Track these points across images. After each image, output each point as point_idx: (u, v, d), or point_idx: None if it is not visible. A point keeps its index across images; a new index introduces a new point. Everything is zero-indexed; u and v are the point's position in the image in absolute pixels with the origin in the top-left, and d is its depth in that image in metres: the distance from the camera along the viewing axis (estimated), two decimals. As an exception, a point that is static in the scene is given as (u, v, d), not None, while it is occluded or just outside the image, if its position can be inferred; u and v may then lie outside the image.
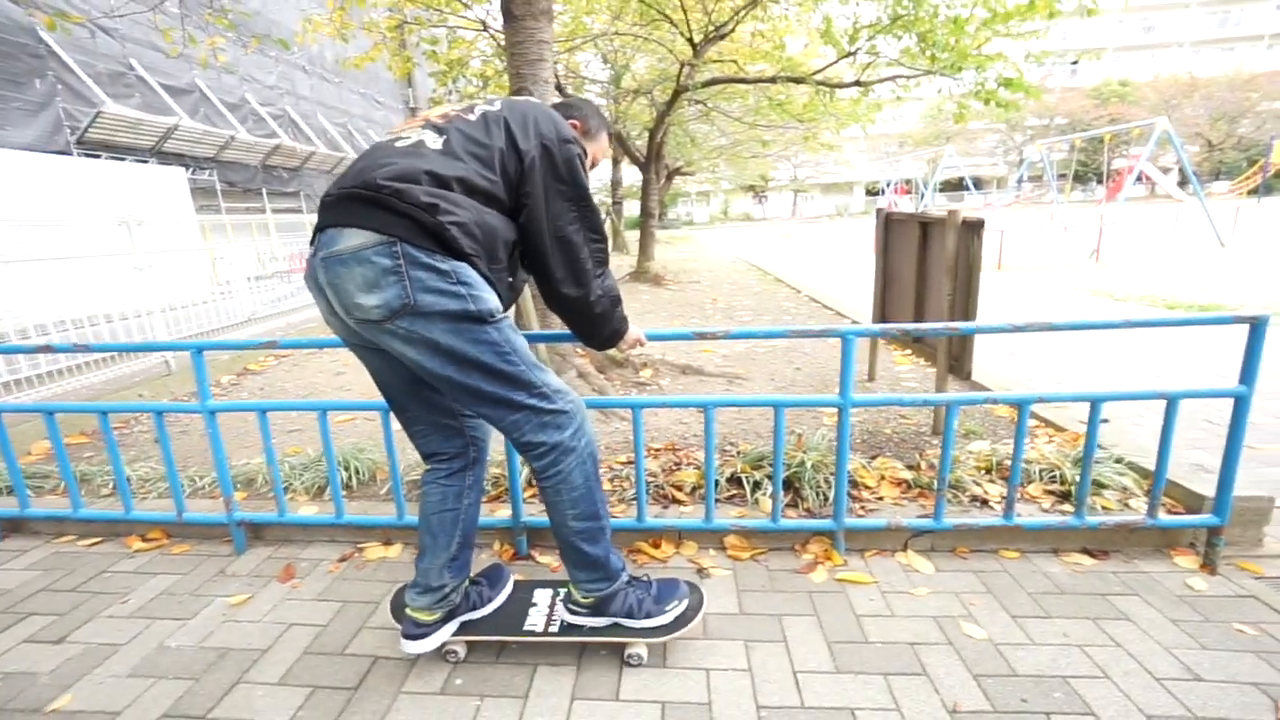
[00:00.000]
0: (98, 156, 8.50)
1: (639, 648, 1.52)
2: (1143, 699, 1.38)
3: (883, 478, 2.18)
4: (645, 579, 1.59)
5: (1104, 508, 2.00)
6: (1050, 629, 1.62)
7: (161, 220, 7.04)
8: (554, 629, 1.55)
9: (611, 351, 3.69)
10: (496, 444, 2.53)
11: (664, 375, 3.55)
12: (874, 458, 2.34)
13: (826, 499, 2.00)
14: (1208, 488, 1.89)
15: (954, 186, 36.20)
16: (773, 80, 7.16)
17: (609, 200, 14.97)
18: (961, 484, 2.11)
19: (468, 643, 1.58)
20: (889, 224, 3.17)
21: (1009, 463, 1.92)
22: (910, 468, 2.25)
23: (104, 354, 3.93)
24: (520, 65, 3.28)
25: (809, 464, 2.07)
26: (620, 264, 10.89)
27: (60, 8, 7.93)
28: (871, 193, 38.96)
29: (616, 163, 14.03)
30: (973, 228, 2.41)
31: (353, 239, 1.22)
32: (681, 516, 2.00)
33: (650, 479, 2.21)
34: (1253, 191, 23.68)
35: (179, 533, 2.19)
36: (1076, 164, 34.62)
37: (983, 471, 2.24)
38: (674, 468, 2.31)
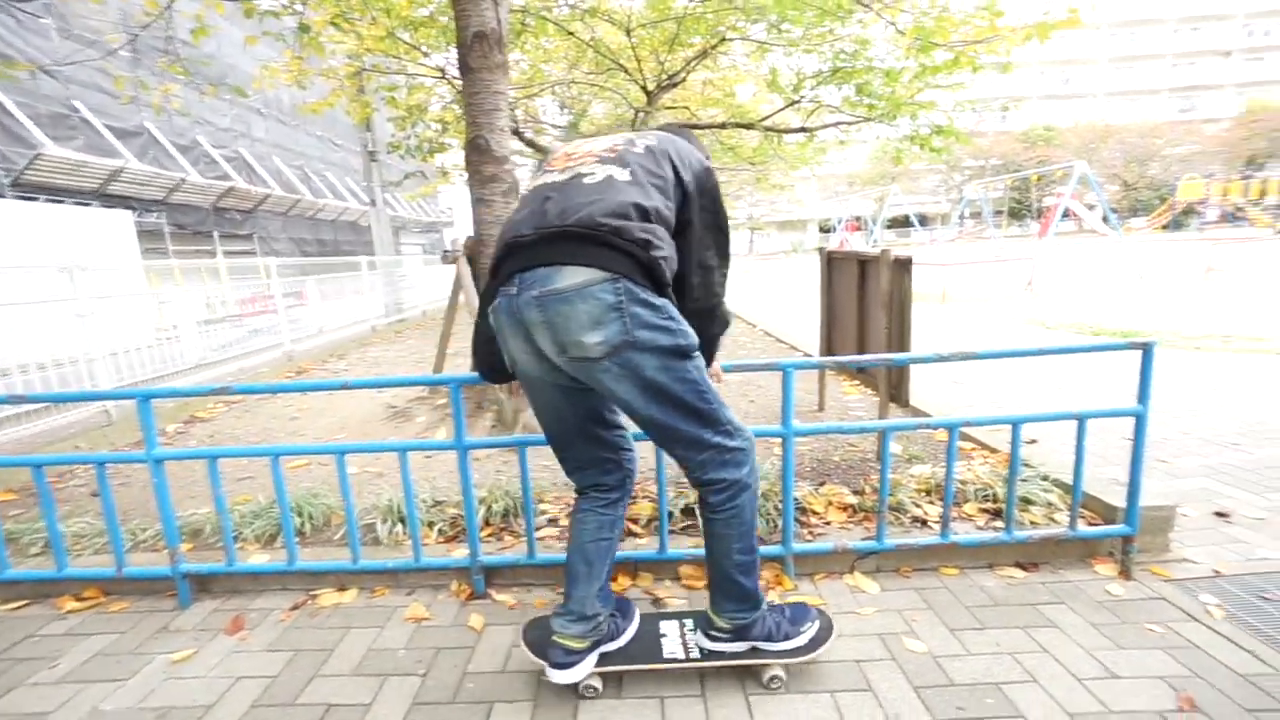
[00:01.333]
0: (34, 199, 8.24)
1: (778, 670, 1.56)
2: (1066, 699, 1.48)
3: (830, 503, 2.28)
4: (778, 603, 1.63)
5: (1032, 522, 2.14)
6: (985, 640, 1.71)
7: (105, 264, 6.83)
8: (695, 655, 1.57)
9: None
10: (450, 480, 2.54)
11: (622, 410, 3.62)
12: (821, 484, 2.45)
13: (776, 526, 2.08)
14: (1121, 500, 2.05)
15: (901, 223, 38.01)
16: (723, 126, 7.52)
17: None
18: (903, 506, 2.23)
19: (601, 674, 1.57)
20: (831, 262, 3.37)
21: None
22: (856, 493, 2.35)
23: (38, 405, 3.77)
24: (477, 115, 3.40)
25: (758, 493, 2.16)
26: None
27: (4, 54, 7.78)
28: (824, 230, 40.50)
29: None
30: (903, 265, 2.60)
31: (575, 276, 1.24)
32: (637, 549, 2.05)
33: (607, 513, 2.25)
34: (1164, 227, 25.65)
35: (118, 589, 2.11)
36: (1011, 201, 36.99)
37: (923, 493, 2.36)
38: (631, 500, 2.36)
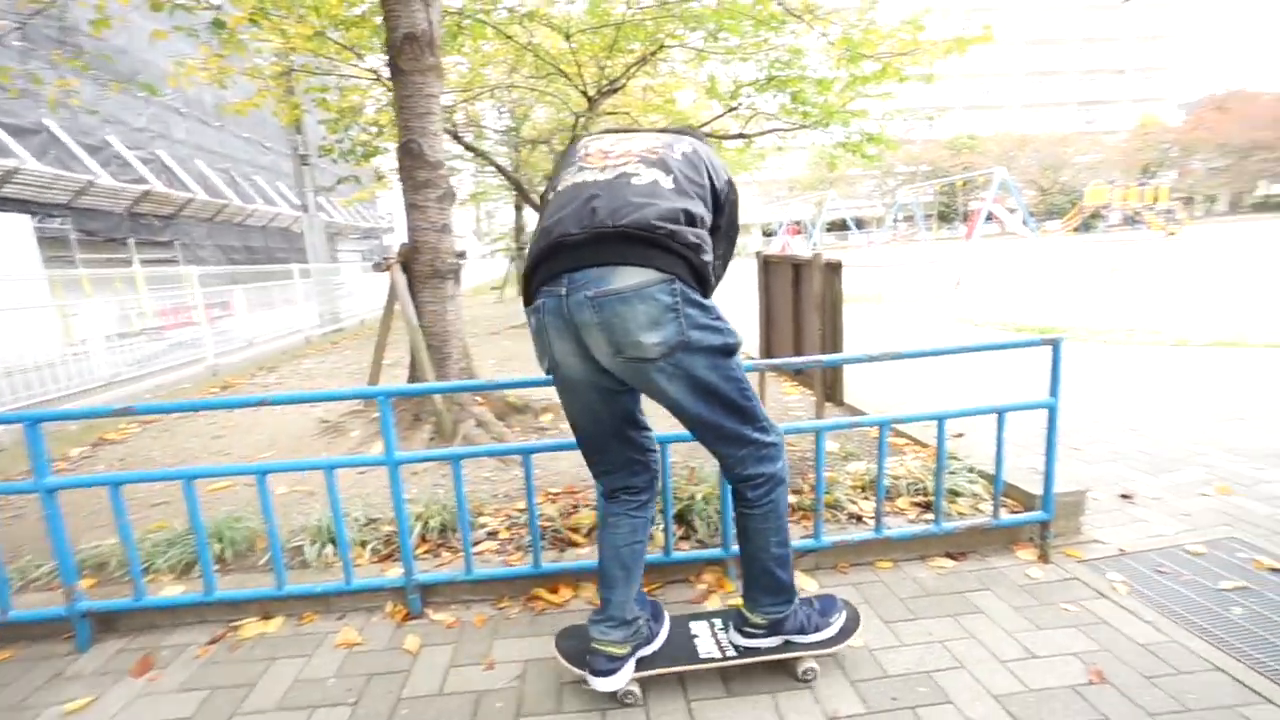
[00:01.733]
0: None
1: (811, 662, 1.58)
2: (991, 682, 1.55)
3: (769, 503, 2.31)
4: (807, 595, 1.64)
5: (959, 513, 2.23)
6: (917, 629, 1.77)
7: (-1, 275, 6.26)
8: (731, 654, 1.58)
9: (513, 398, 3.69)
10: (386, 496, 2.44)
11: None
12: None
13: (717, 529, 2.09)
14: (1039, 488, 2.16)
15: (839, 227, 39.37)
16: (664, 131, 7.57)
17: (512, 245, 14.99)
18: (840, 504, 2.29)
19: (640, 680, 1.54)
20: (767, 266, 3.44)
21: (885, 482, 2.11)
22: (795, 492, 2.40)
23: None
24: (409, 119, 3.31)
25: (699, 496, 2.17)
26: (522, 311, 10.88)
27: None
28: (766, 233, 41.48)
29: (519, 209, 14.13)
30: (834, 268, 2.68)
31: (632, 277, 1.25)
32: (579, 559, 2.02)
33: (548, 523, 2.22)
34: (1076, 229, 27.62)
35: (3, 636, 1.90)
36: (940, 205, 38.91)
37: (859, 490, 2.43)
38: (572, 510, 2.33)
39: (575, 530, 2.19)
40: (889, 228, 34.21)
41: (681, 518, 2.17)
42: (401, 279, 3.44)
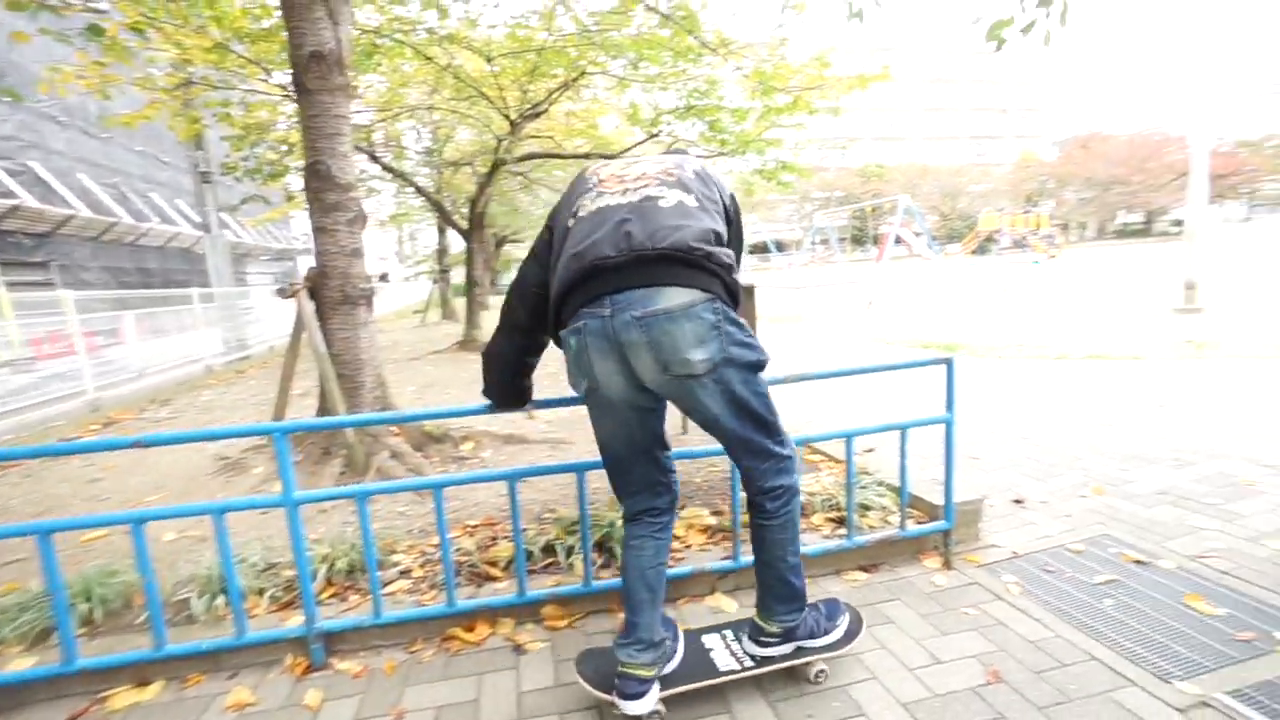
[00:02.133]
0: None
1: (821, 664, 1.64)
2: (900, 690, 1.61)
3: (690, 526, 2.33)
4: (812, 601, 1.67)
5: (870, 526, 2.33)
6: (832, 644, 1.82)
7: None
8: (749, 664, 1.61)
9: (430, 427, 3.55)
10: (284, 538, 2.28)
11: (486, 447, 3.48)
12: (682, 508, 2.50)
13: (638, 554, 2.08)
14: (941, 498, 2.29)
15: (761, 249, 40.91)
16: (586, 156, 7.66)
17: (436, 268, 14.60)
18: (758, 522, 2.33)
19: (664, 699, 1.52)
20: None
21: (801, 499, 2.17)
22: (715, 513, 2.43)
23: None
24: (316, 139, 3.17)
25: (619, 524, 2.15)
26: (450, 333, 10.58)
27: None
28: (694, 255, 42.40)
29: (442, 231, 13.82)
30: (748, 291, 2.76)
31: (679, 297, 1.32)
32: (495, 594, 1.95)
33: (465, 558, 2.13)
34: (974, 252, 30.07)
35: None
36: (853, 229, 41.33)
37: (777, 507, 2.48)
38: (491, 543, 2.26)
39: (493, 564, 2.11)
40: (807, 250, 35.88)
41: (601, 545, 2.14)
42: (309, 305, 3.26)
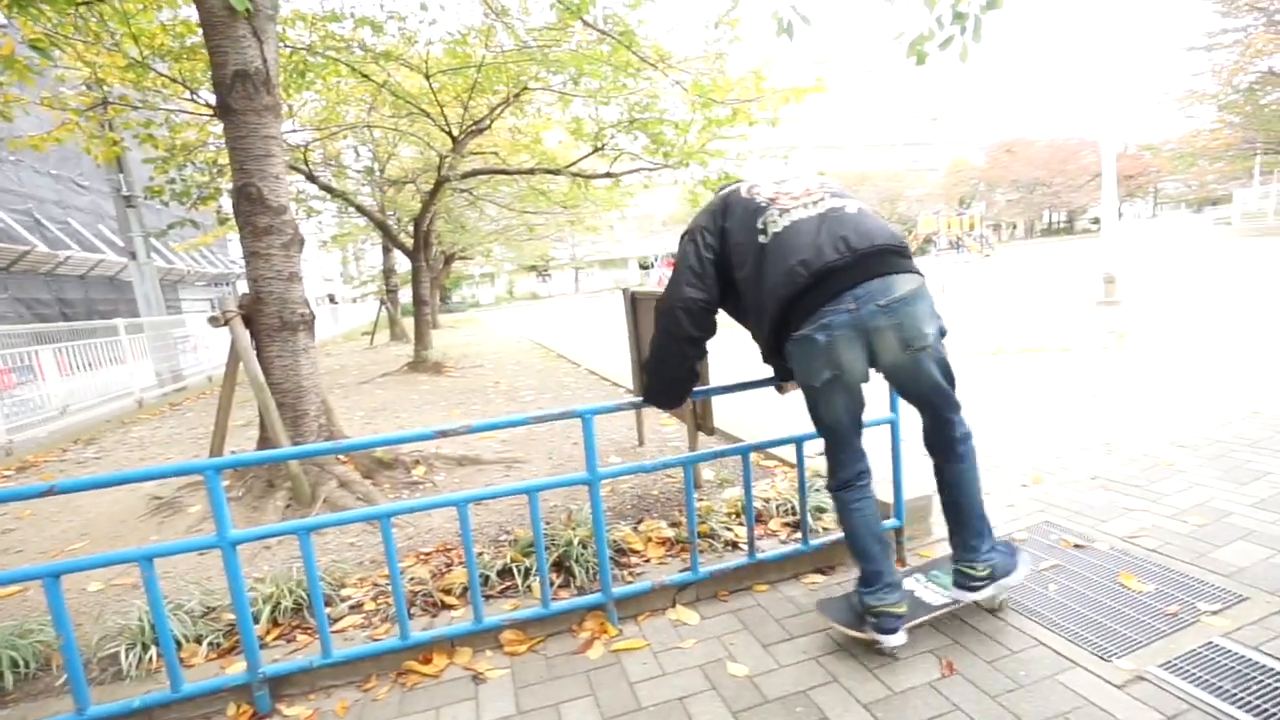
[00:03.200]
0: None
1: (1004, 595, 1.88)
2: (859, 690, 1.63)
3: (649, 539, 2.32)
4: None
5: (825, 529, 2.37)
6: (794, 649, 1.84)
7: None
8: (954, 600, 1.85)
9: (380, 454, 3.44)
10: (225, 580, 2.15)
11: (439, 470, 3.39)
12: (640, 521, 2.49)
13: (596, 574, 2.06)
14: (890, 496, 2.35)
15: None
16: (532, 171, 7.63)
17: (383, 288, 14.22)
18: (715, 533, 2.33)
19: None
20: (635, 302, 3.52)
21: (756, 505, 2.19)
22: (673, 525, 2.43)
23: None
24: (245, 161, 3.05)
25: (576, 541, 2.13)
26: (400, 354, 10.30)
27: None
28: (644, 266, 42.75)
29: (388, 250, 13.49)
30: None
31: (909, 283, 1.57)
32: (451, 622, 1.89)
33: (419, 587, 2.06)
34: (915, 252, 31.47)
35: None
36: (800, 236, 42.61)
37: (734, 516, 2.50)
38: (445, 570, 2.19)
39: (448, 591, 2.05)
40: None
41: (559, 565, 2.11)
42: (244, 334, 3.12)
